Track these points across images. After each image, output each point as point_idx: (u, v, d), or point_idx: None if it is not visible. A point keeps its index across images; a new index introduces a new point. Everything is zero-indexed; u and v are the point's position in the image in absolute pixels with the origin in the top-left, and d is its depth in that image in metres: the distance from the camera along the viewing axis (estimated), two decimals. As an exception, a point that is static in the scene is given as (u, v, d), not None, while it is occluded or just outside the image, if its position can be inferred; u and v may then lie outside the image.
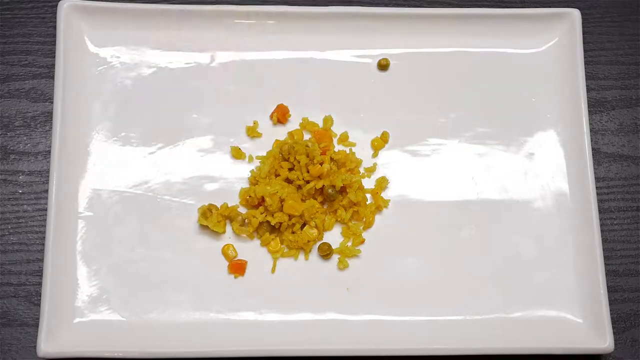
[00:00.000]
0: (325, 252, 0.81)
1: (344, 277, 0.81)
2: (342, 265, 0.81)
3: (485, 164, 0.85)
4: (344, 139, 0.85)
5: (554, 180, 0.84)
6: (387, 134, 0.85)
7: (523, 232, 0.83)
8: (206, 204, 0.81)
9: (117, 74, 0.85)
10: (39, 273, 0.80)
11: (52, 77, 0.83)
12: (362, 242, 0.82)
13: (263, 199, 0.81)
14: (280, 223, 0.81)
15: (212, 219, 0.81)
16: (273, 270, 0.81)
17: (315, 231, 0.81)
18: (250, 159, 0.84)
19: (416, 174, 0.84)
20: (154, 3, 0.86)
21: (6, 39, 0.87)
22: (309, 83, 0.86)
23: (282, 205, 0.81)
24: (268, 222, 0.81)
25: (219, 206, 0.81)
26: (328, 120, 0.85)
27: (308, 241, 0.81)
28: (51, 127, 0.81)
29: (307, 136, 0.85)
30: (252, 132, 0.85)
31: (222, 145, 0.84)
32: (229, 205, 0.82)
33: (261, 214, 0.81)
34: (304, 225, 0.82)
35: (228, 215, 0.81)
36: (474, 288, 0.81)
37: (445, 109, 0.86)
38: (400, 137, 0.85)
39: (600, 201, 0.83)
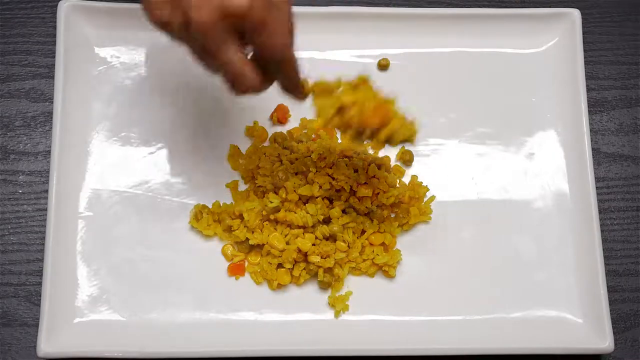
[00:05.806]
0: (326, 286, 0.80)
1: (344, 277, 0.81)
2: (337, 314, 0.79)
3: (485, 164, 0.85)
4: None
5: (554, 180, 0.84)
6: (387, 133, 0.85)
7: (523, 232, 0.83)
8: (200, 204, 0.81)
9: (117, 74, 0.85)
10: (39, 273, 0.80)
11: (52, 77, 0.83)
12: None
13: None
14: (262, 245, 0.79)
15: (202, 222, 0.80)
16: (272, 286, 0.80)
17: (289, 279, 0.79)
18: (250, 159, 0.84)
19: (416, 174, 0.84)
20: (154, 3, 0.86)
21: (6, 39, 0.87)
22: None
23: (262, 225, 0.79)
24: (247, 239, 0.79)
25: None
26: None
27: (276, 281, 0.79)
28: (51, 127, 0.81)
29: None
30: (252, 132, 0.85)
31: (222, 145, 0.84)
32: (222, 204, 0.81)
33: (244, 227, 0.79)
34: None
35: (219, 217, 0.81)
36: (474, 288, 0.81)
37: (445, 109, 0.86)
38: (400, 137, 0.85)
39: (600, 201, 0.83)
